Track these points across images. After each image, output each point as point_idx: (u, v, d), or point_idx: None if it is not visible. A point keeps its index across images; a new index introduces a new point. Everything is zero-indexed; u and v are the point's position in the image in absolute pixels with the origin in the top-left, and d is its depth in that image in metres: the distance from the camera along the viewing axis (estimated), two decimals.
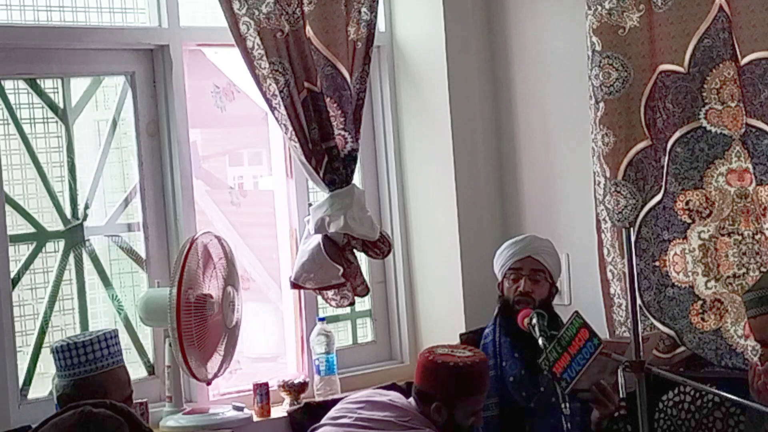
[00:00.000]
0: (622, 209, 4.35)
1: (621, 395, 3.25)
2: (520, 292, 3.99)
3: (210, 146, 5.09)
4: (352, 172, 4.36)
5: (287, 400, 4.42)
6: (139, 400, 4.05)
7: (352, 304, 4.48)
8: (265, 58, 4.16)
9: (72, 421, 2.31)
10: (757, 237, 4.18)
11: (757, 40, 4.08)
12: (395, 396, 3.88)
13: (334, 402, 4.31)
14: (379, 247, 4.41)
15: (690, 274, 4.30)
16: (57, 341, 3.35)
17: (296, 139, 4.23)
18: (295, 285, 4.36)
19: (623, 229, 3.42)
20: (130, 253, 4.35)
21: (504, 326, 4.01)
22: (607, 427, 3.78)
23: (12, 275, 4.01)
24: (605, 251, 4.43)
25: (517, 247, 4.12)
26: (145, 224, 4.34)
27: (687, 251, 4.29)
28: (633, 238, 4.15)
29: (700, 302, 4.29)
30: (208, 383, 4.16)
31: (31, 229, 4.13)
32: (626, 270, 3.55)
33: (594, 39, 4.36)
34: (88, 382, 3.24)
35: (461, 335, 4.17)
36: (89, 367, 3.24)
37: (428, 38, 4.83)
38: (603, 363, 3.21)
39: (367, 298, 4.80)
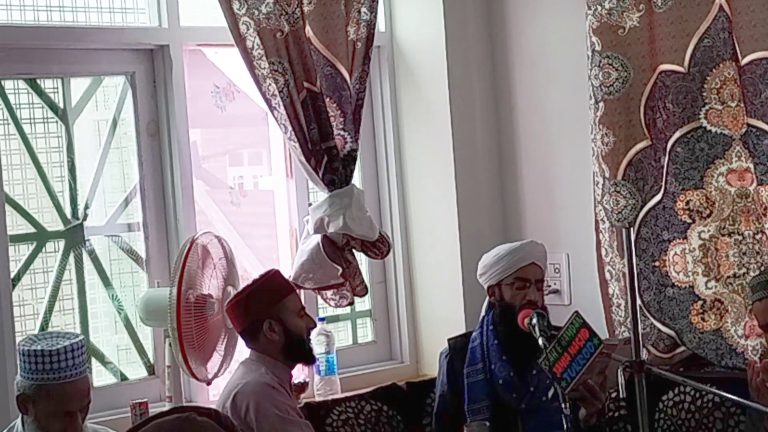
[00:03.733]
0: (622, 209, 4.35)
1: (621, 395, 3.25)
2: (529, 300, 3.97)
3: (210, 146, 5.10)
4: (352, 172, 4.35)
5: None
6: (139, 400, 4.05)
7: (350, 304, 4.49)
8: (264, 58, 4.16)
9: (176, 424, 2.31)
10: (757, 237, 4.18)
11: (758, 39, 4.07)
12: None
13: (335, 402, 4.31)
14: (378, 248, 4.41)
15: (690, 274, 4.29)
16: (24, 341, 3.33)
17: (296, 139, 4.23)
18: (294, 285, 4.36)
19: (623, 229, 3.42)
20: (130, 253, 4.35)
21: (497, 331, 4.01)
22: (597, 424, 3.79)
23: (12, 275, 4.01)
24: (603, 251, 4.43)
25: (521, 254, 4.05)
26: (145, 224, 4.34)
27: (687, 251, 4.29)
28: (633, 238, 4.16)
29: (700, 302, 4.29)
30: (208, 383, 4.16)
31: (31, 229, 4.14)
32: (626, 270, 3.54)
33: (594, 39, 4.36)
34: (51, 389, 3.25)
35: (449, 340, 4.18)
36: (54, 375, 3.25)
37: (428, 38, 4.83)
38: (592, 363, 3.21)
39: (367, 298, 4.80)
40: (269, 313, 3.77)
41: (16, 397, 3.31)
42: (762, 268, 4.13)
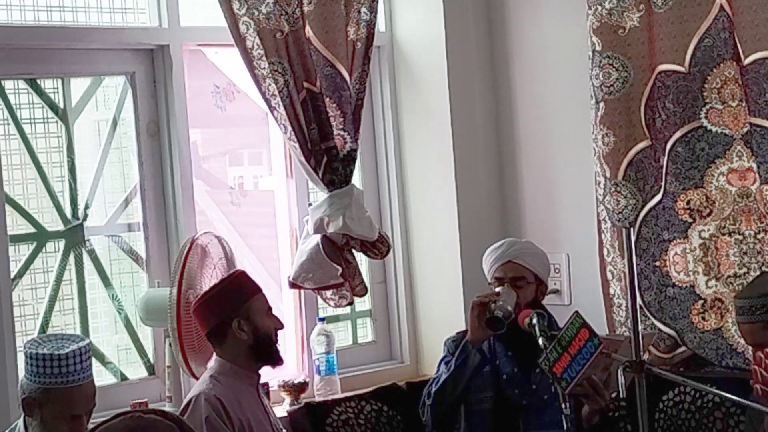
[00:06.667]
0: (622, 209, 4.35)
1: (621, 395, 3.25)
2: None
3: (210, 146, 5.09)
4: (351, 172, 4.35)
5: (287, 400, 4.42)
6: (139, 400, 4.06)
7: (350, 304, 4.49)
8: (264, 58, 4.16)
9: (122, 425, 2.31)
10: (759, 236, 4.18)
11: (760, 39, 4.08)
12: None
13: (335, 402, 4.31)
14: (378, 248, 4.41)
15: (691, 273, 4.30)
16: (29, 343, 3.31)
17: (295, 140, 4.23)
18: (293, 285, 4.37)
19: (623, 229, 3.41)
20: (130, 253, 4.35)
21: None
22: (600, 423, 3.79)
23: (12, 275, 4.01)
24: (605, 251, 4.43)
25: (497, 254, 4.12)
26: (145, 224, 4.34)
27: (688, 251, 4.29)
28: (633, 238, 4.16)
29: (700, 302, 4.29)
30: None
31: (31, 229, 4.14)
32: (626, 270, 3.54)
33: (594, 39, 4.36)
34: (58, 393, 3.24)
35: (457, 333, 4.19)
36: (61, 379, 3.24)
37: (428, 38, 4.83)
38: (596, 359, 3.21)
39: (367, 298, 4.80)
40: (237, 312, 3.69)
41: (21, 399, 3.29)
42: (763, 268, 4.13)
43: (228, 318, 3.70)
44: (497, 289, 4.01)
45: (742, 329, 3.69)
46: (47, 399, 3.24)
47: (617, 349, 3.52)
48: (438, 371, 4.09)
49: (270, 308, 3.80)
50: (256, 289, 3.80)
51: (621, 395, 3.21)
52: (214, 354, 3.79)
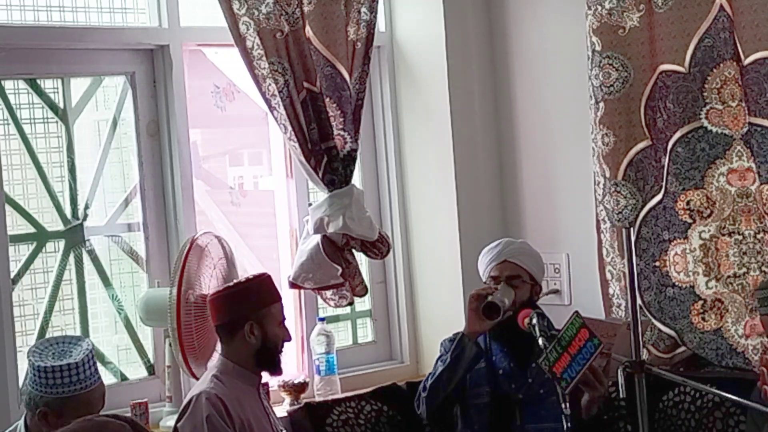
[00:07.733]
0: (622, 209, 4.35)
1: (621, 395, 3.25)
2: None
3: (210, 146, 5.09)
4: (351, 172, 4.35)
5: (287, 400, 4.42)
6: (139, 400, 4.06)
7: (350, 304, 4.49)
8: (264, 58, 4.16)
9: (78, 426, 2.33)
10: (758, 236, 4.18)
11: (761, 39, 4.08)
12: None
13: (335, 402, 4.31)
14: (378, 248, 4.41)
15: (691, 273, 4.30)
16: (33, 355, 3.28)
17: (295, 140, 4.23)
18: (293, 285, 4.37)
19: (623, 229, 3.42)
20: (130, 253, 4.35)
21: (491, 329, 4.04)
22: (597, 414, 3.78)
23: (12, 275, 4.01)
24: (604, 251, 4.43)
25: (493, 254, 4.14)
26: (145, 224, 4.34)
27: (688, 251, 4.29)
28: (633, 238, 4.17)
29: (700, 302, 4.29)
30: None
31: (31, 229, 4.14)
32: (626, 270, 3.55)
33: (594, 39, 4.36)
34: (79, 398, 3.24)
35: (454, 334, 4.19)
36: (80, 385, 3.25)
37: (428, 38, 4.83)
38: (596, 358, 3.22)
39: (367, 298, 4.80)
40: (253, 316, 3.71)
41: (37, 413, 3.27)
42: (763, 268, 4.13)
43: (242, 319, 3.70)
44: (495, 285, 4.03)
45: (765, 321, 3.67)
46: (67, 406, 3.23)
47: (616, 333, 3.53)
48: (434, 368, 4.09)
49: (284, 319, 3.81)
50: (277, 297, 3.80)
51: (621, 395, 3.21)
52: (217, 352, 3.79)
